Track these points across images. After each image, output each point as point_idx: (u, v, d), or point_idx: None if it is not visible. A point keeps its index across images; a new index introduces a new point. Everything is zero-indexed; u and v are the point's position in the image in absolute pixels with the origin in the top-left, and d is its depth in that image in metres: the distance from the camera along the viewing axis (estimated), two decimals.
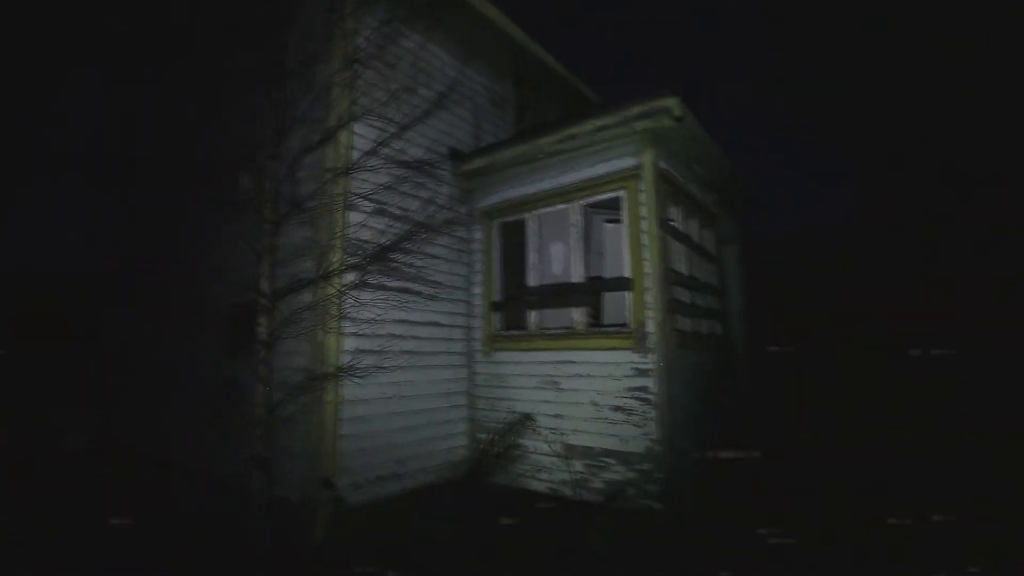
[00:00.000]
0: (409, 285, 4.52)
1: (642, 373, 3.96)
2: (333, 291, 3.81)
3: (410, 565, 3.25)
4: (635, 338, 4.01)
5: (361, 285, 3.94)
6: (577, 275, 4.50)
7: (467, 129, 5.46)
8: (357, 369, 3.84)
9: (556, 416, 4.41)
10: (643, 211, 4.09)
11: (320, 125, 3.93)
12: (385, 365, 4.11)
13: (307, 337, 3.90)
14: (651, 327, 3.96)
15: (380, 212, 4.35)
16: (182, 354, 5.46)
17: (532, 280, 4.84)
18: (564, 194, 4.63)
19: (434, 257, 4.82)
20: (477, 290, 5.17)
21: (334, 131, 3.82)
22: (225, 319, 4.86)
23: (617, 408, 4.06)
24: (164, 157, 6.40)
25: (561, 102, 7.01)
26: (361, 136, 4.18)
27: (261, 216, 3.54)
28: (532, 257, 4.85)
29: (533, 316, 4.78)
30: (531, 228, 4.88)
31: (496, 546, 3.49)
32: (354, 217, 4.11)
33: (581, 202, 4.54)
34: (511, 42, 5.75)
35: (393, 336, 4.37)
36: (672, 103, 3.77)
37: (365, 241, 4.15)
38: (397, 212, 4.47)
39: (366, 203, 4.18)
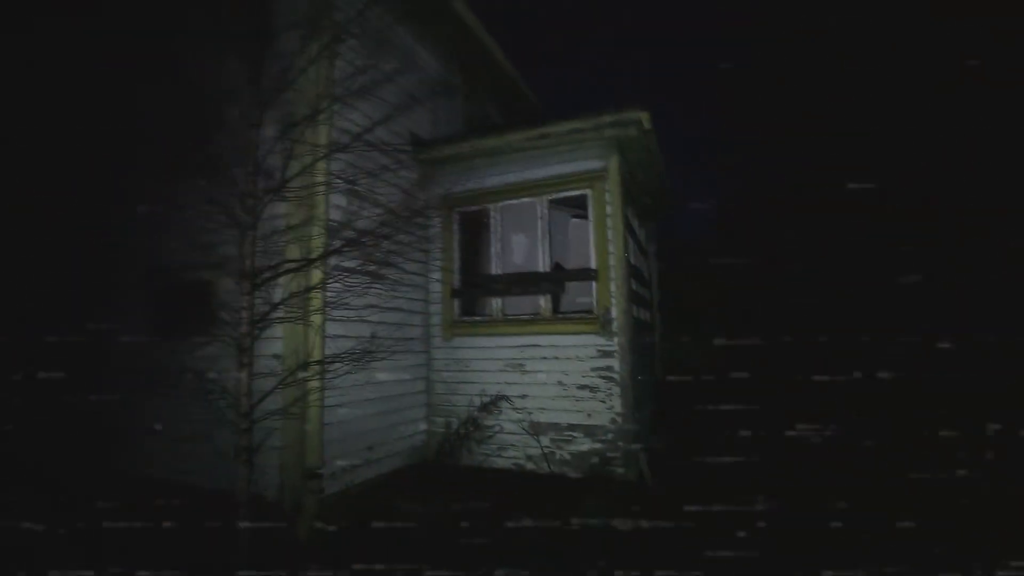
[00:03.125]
0: (381, 271, 4.45)
1: (607, 354, 4.44)
2: (318, 275, 3.66)
3: (397, 549, 3.35)
4: (600, 323, 4.48)
5: (344, 270, 3.82)
6: (543, 265, 4.84)
7: (425, 115, 5.44)
8: (343, 356, 3.74)
9: (522, 396, 4.72)
10: (608, 209, 4.56)
11: (302, 99, 3.71)
12: (370, 351, 4.04)
13: (282, 324, 3.70)
14: (615, 313, 4.46)
15: (354, 194, 4.22)
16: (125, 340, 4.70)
17: (495, 269, 5.06)
18: (529, 188, 4.91)
19: (400, 243, 4.79)
20: (435, 276, 5.24)
21: (323, 105, 3.64)
22: (174, 297, 4.31)
23: (583, 387, 4.50)
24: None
25: (501, 96, 7.24)
26: (340, 115, 4.02)
27: (245, 190, 3.28)
28: (496, 247, 5.07)
29: (497, 303, 5.01)
30: (495, 219, 5.08)
31: (477, 521, 3.71)
32: (334, 199, 3.96)
33: (548, 197, 4.87)
34: (464, 29, 5.81)
35: (365, 322, 4.30)
36: (643, 116, 4.27)
37: (341, 224, 4.02)
38: (369, 196, 4.37)
39: (343, 185, 4.04)
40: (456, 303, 5.17)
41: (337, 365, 3.77)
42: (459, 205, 5.21)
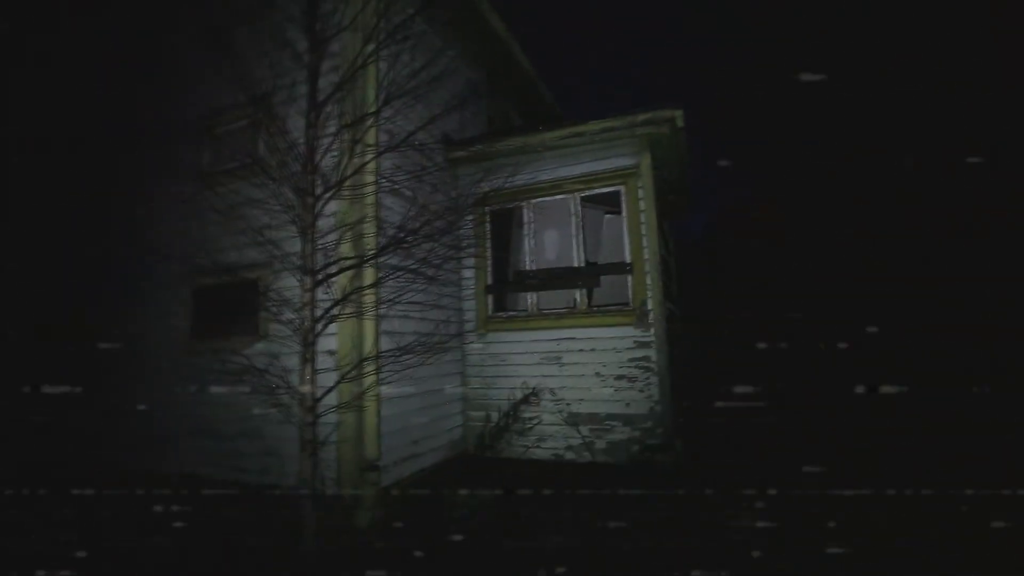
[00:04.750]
0: (423, 269, 4.55)
1: (644, 345, 4.58)
2: (372, 273, 3.76)
3: (457, 539, 3.45)
4: (637, 315, 4.62)
5: (393, 268, 3.92)
6: (578, 260, 4.96)
7: (454, 116, 5.54)
8: (394, 352, 3.84)
9: (560, 388, 4.84)
10: (642, 205, 4.70)
11: (352, 100, 3.80)
12: (418, 346, 4.14)
13: (336, 321, 3.78)
14: (651, 305, 4.60)
15: (398, 194, 4.32)
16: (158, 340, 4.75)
17: (529, 265, 5.17)
18: (562, 185, 5.04)
19: (441, 242, 4.89)
20: (468, 273, 5.35)
21: (376, 107, 3.74)
22: (232, 295, 4.38)
23: (621, 377, 4.63)
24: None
25: (520, 96, 7.35)
26: (385, 118, 4.11)
27: (304, 189, 3.36)
28: (529, 243, 5.18)
29: (532, 298, 5.13)
30: (528, 216, 5.20)
31: (525, 509, 3.83)
32: (383, 199, 4.05)
33: (580, 194, 5.00)
34: (492, 34, 5.93)
35: (410, 319, 4.40)
36: (676, 115, 4.42)
37: (389, 223, 4.12)
38: (413, 196, 4.47)
39: (391, 184, 4.14)
40: (490, 299, 5.27)
41: (389, 360, 3.88)
42: (492, 203, 5.31)
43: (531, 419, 4.90)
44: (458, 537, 3.42)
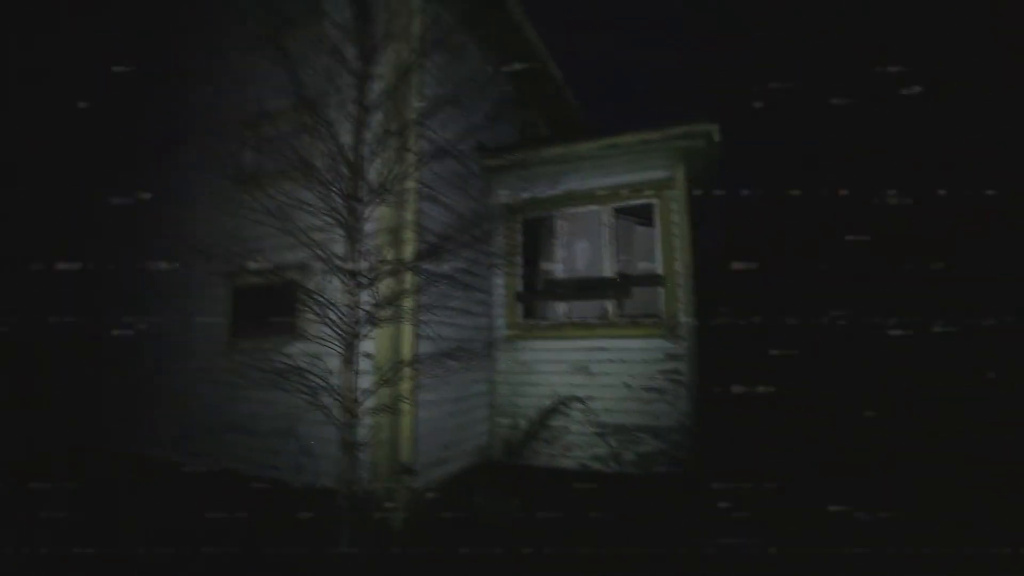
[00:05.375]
0: (457, 276, 4.61)
1: (674, 358, 4.59)
2: (411, 278, 3.82)
3: (488, 539, 3.48)
4: (668, 327, 4.63)
5: (430, 274, 3.98)
6: (609, 271, 4.99)
7: (487, 125, 5.61)
8: (430, 357, 3.90)
9: (588, 398, 4.86)
10: (674, 217, 4.73)
11: (394, 107, 3.88)
12: (452, 352, 4.19)
13: (374, 325, 3.85)
14: (682, 318, 4.61)
15: (435, 201, 4.39)
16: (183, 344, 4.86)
17: (559, 274, 5.21)
18: (595, 197, 5.08)
19: (475, 249, 4.95)
20: (498, 281, 5.39)
21: (417, 116, 3.82)
22: (274, 296, 4.46)
23: (650, 388, 4.64)
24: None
25: (546, 104, 7.42)
26: (423, 127, 4.19)
27: (352, 195, 3.43)
28: (561, 253, 5.22)
29: (562, 307, 5.16)
30: (559, 226, 5.25)
31: (554, 515, 3.84)
32: (422, 206, 4.12)
33: (612, 205, 5.03)
34: (526, 44, 6.00)
35: (444, 324, 4.45)
36: (713, 129, 4.45)
37: (427, 230, 4.19)
38: (449, 204, 4.54)
39: (429, 191, 4.22)
40: (520, 307, 5.31)
41: (427, 365, 3.93)
42: (523, 212, 5.37)
43: (558, 428, 4.91)
44: (489, 541, 3.44)
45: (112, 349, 5.59)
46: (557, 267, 5.24)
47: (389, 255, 3.84)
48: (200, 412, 4.73)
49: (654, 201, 4.83)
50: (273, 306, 4.51)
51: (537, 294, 5.40)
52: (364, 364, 3.94)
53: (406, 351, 3.87)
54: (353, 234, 3.43)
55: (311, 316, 4.05)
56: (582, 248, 5.70)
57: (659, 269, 4.75)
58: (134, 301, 5.67)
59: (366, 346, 3.98)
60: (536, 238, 5.68)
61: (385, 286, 3.76)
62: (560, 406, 4.90)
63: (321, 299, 3.94)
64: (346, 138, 3.46)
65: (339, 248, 3.90)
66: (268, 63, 4.39)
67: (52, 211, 6.46)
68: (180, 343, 5.07)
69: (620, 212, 5.16)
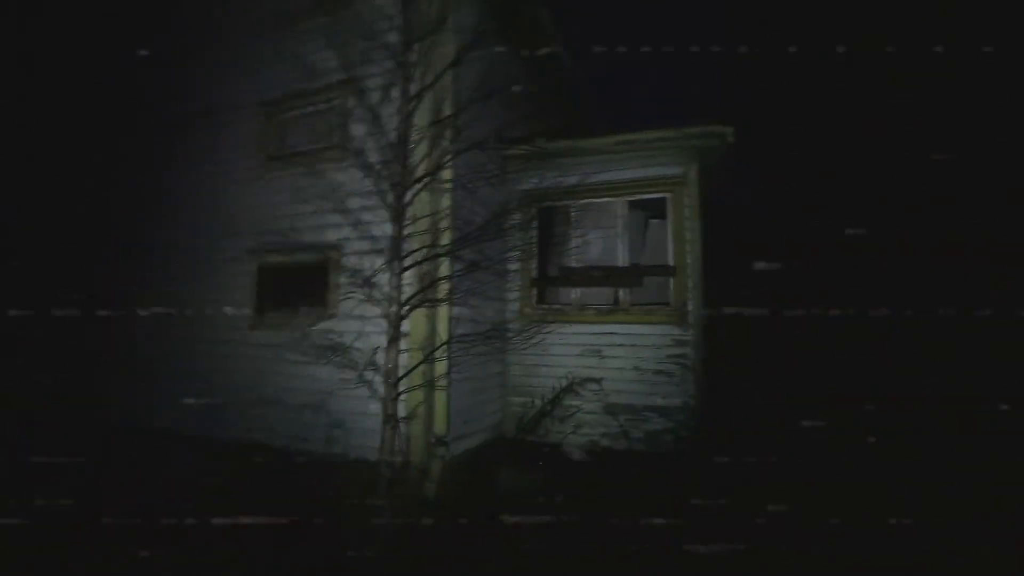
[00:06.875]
0: (484, 262, 4.82)
1: (682, 343, 4.93)
2: (447, 262, 4.01)
3: (521, 509, 3.77)
4: (677, 315, 4.96)
5: (469, 260, 4.19)
6: (622, 260, 5.28)
7: (504, 116, 5.77)
8: (461, 337, 4.12)
9: (599, 380, 5.17)
10: (687, 212, 5.03)
11: (434, 97, 4.04)
12: (480, 333, 4.42)
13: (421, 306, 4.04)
14: (691, 306, 4.95)
15: (466, 189, 4.57)
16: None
17: (574, 262, 5.47)
18: (610, 189, 5.34)
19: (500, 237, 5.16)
20: (513, 266, 5.62)
21: (459, 107, 3.98)
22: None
23: (659, 372, 4.98)
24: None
25: (563, 98, 7.61)
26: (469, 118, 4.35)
27: (395, 179, 3.60)
28: (575, 241, 5.48)
29: (575, 293, 5.43)
30: (575, 215, 5.49)
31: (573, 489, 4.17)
32: (457, 195, 4.31)
33: (627, 198, 5.30)
34: (548, 39, 6.15)
35: (470, 307, 4.67)
36: (728, 131, 4.74)
37: (459, 218, 4.38)
38: (480, 193, 4.73)
39: (464, 180, 4.40)
40: (535, 292, 5.56)
41: (461, 345, 4.16)
42: (541, 200, 5.58)
43: (571, 407, 5.22)
44: (518, 507, 3.73)
45: (145, 327, 5.61)
46: (571, 255, 5.50)
47: (427, 241, 4.02)
48: (230, 388, 4.84)
49: (667, 195, 5.12)
50: (301, 284, 4.64)
51: (552, 280, 5.66)
52: (402, 343, 4.14)
53: (443, 332, 4.08)
54: (399, 218, 3.60)
55: (352, 295, 4.22)
56: (596, 238, 5.96)
57: (670, 260, 5.06)
58: (167, 280, 5.66)
59: (403, 325, 4.17)
60: (551, 226, 5.92)
61: (425, 269, 3.95)
62: (575, 385, 5.20)
63: (357, 278, 4.12)
64: (389, 124, 3.61)
65: (377, 231, 4.08)
66: (313, 42, 4.48)
67: (82, 192, 6.34)
68: (212, 322, 5.13)
69: (634, 205, 5.43)
